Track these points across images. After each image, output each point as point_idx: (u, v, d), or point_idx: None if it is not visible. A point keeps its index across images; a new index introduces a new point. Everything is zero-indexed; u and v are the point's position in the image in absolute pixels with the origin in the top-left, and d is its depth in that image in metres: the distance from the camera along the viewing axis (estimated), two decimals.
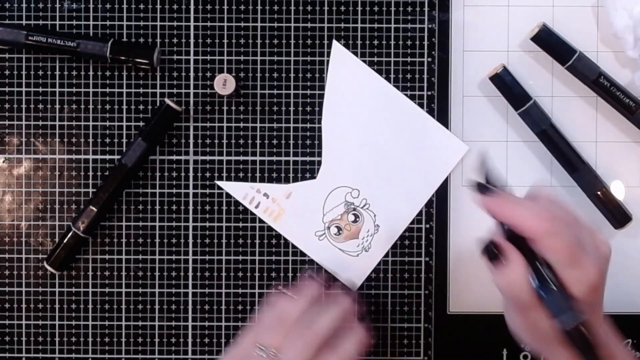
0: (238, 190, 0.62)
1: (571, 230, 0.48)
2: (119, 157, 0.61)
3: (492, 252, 0.48)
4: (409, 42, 0.62)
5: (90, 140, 0.62)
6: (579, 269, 0.47)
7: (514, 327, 0.51)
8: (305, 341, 0.56)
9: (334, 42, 0.62)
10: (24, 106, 0.62)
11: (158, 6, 0.62)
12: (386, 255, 0.62)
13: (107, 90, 0.62)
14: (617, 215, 0.61)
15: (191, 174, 0.62)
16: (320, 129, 0.62)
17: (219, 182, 0.62)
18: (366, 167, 0.62)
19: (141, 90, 0.62)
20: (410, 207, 0.62)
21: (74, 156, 0.62)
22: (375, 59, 0.62)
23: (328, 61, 0.62)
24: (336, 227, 0.62)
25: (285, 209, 0.62)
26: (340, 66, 0.62)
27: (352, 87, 0.62)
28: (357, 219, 0.62)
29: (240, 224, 0.62)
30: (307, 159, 0.62)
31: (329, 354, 0.57)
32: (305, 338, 0.56)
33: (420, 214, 0.62)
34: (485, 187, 0.49)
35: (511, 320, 0.51)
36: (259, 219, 0.62)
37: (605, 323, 0.52)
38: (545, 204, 0.49)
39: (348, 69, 0.62)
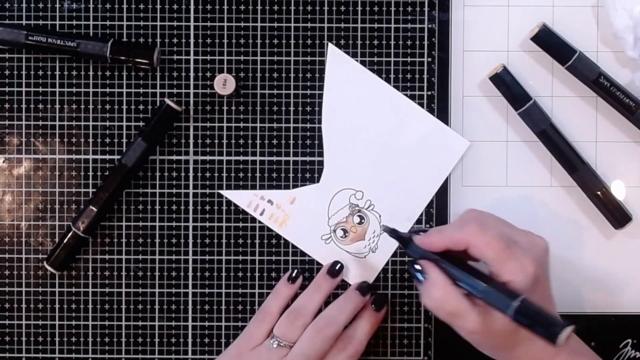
0: (242, 198, 0.62)
1: (499, 228, 0.52)
2: (119, 157, 0.61)
3: (414, 272, 0.53)
4: (409, 42, 0.62)
5: (90, 140, 0.62)
6: (514, 260, 0.50)
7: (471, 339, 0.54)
8: (321, 336, 0.57)
9: (329, 44, 0.62)
10: (24, 106, 0.62)
11: (158, 6, 0.62)
12: None
13: (107, 90, 0.62)
14: (617, 215, 0.61)
15: (191, 174, 0.62)
16: (320, 128, 0.62)
17: (221, 192, 0.62)
18: (369, 168, 0.62)
19: (141, 90, 0.62)
20: (415, 205, 0.62)
21: (74, 156, 0.62)
22: (375, 59, 0.62)
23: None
24: (342, 229, 0.62)
25: (290, 214, 0.62)
26: (337, 68, 0.62)
27: (350, 89, 0.62)
28: (363, 221, 0.62)
29: (240, 224, 0.62)
30: (308, 158, 0.62)
31: (343, 344, 0.58)
32: (322, 333, 0.56)
33: (420, 214, 0.62)
34: (411, 233, 0.54)
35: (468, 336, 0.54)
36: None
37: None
38: (469, 215, 0.54)
39: (345, 71, 0.62)
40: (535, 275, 0.50)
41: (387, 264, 0.62)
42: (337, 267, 0.60)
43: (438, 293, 0.51)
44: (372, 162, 0.62)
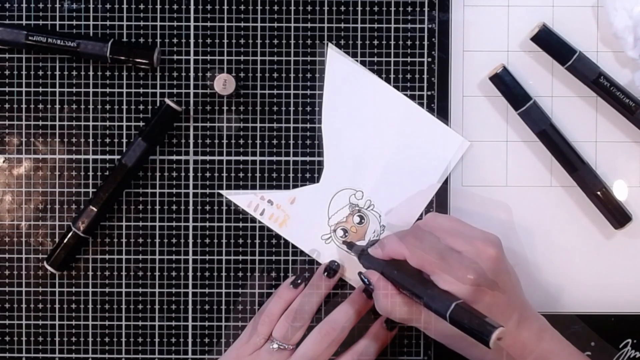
0: (242, 198, 0.62)
1: (437, 238, 0.53)
2: (119, 157, 0.62)
3: (364, 282, 0.56)
4: (409, 42, 0.62)
5: (90, 140, 0.62)
6: (448, 272, 0.51)
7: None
8: (326, 340, 0.57)
9: (329, 44, 0.62)
10: (24, 106, 0.62)
11: (158, 6, 0.62)
12: None
13: (107, 90, 0.62)
14: (617, 215, 0.61)
15: (191, 174, 0.62)
16: (320, 129, 0.62)
17: (221, 192, 0.62)
18: (368, 168, 0.62)
19: (141, 90, 0.62)
20: (415, 205, 0.62)
21: (74, 156, 0.62)
22: (375, 59, 0.62)
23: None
24: (342, 229, 0.62)
25: (290, 214, 0.62)
26: (337, 68, 0.62)
27: (350, 89, 0.62)
28: (363, 220, 0.62)
29: (240, 224, 0.62)
30: (308, 158, 0.62)
31: (346, 352, 0.58)
32: (327, 337, 0.57)
33: (420, 214, 0.62)
34: (367, 247, 0.58)
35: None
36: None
37: (534, 324, 0.55)
38: (418, 223, 0.56)
39: (345, 71, 0.62)
40: (473, 285, 0.51)
41: None
42: (333, 267, 0.60)
43: (385, 303, 0.54)
44: (372, 162, 0.62)
